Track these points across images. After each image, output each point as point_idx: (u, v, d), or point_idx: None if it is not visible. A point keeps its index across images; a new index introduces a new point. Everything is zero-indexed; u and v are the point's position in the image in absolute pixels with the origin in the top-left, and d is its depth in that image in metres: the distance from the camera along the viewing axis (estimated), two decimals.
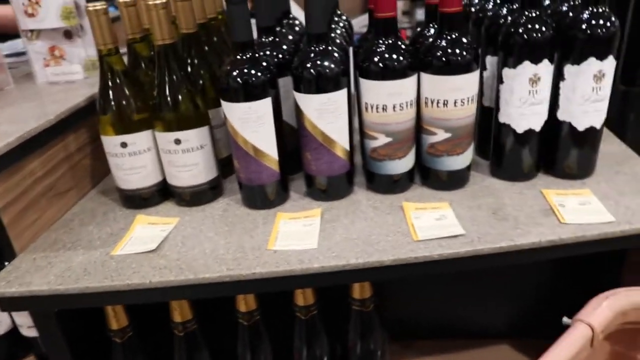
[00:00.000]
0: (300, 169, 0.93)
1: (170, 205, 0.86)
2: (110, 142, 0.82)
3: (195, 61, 0.87)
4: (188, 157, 0.81)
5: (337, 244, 0.70)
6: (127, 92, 0.81)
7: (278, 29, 0.88)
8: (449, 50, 0.73)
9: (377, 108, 0.75)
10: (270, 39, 0.85)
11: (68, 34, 1.03)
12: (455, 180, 0.81)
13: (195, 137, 0.80)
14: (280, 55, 0.85)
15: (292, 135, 0.85)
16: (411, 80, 0.75)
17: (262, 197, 0.81)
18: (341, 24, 1.00)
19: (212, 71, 0.89)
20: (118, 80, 0.80)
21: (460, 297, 1.02)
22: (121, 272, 0.69)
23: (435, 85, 0.75)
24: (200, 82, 0.87)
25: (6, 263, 0.80)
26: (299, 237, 0.73)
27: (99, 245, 0.76)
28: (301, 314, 0.86)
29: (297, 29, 1.02)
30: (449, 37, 0.73)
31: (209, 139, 0.82)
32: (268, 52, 0.83)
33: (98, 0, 0.79)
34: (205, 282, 0.67)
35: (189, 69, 0.86)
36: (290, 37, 0.95)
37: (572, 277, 1.01)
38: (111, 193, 0.93)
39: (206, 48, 0.90)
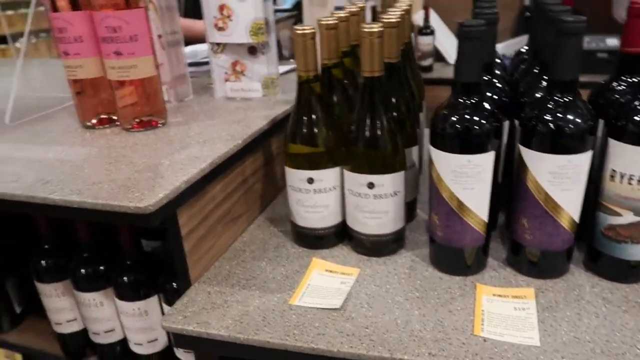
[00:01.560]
0: (493, 228, 0.80)
1: (346, 250, 0.78)
2: (296, 176, 0.75)
3: (393, 96, 0.78)
4: (379, 203, 0.71)
5: (565, 345, 0.56)
6: (322, 123, 0.74)
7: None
8: None
9: (630, 179, 0.60)
10: (487, 78, 0.73)
11: (252, 50, 0.99)
12: None
13: (391, 183, 0.71)
14: (496, 97, 0.73)
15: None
16: None
17: (459, 261, 0.69)
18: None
19: (407, 105, 0.80)
20: (315, 111, 0.73)
21: None
22: (304, 331, 0.62)
23: None
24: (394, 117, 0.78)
25: (174, 284, 0.78)
26: (511, 324, 0.60)
27: (274, 289, 0.70)
28: None
29: (497, 60, 0.90)
30: None
31: (402, 186, 0.73)
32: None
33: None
34: None
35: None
36: (497, 72, 0.83)
37: None
38: (280, 222, 0.87)
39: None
